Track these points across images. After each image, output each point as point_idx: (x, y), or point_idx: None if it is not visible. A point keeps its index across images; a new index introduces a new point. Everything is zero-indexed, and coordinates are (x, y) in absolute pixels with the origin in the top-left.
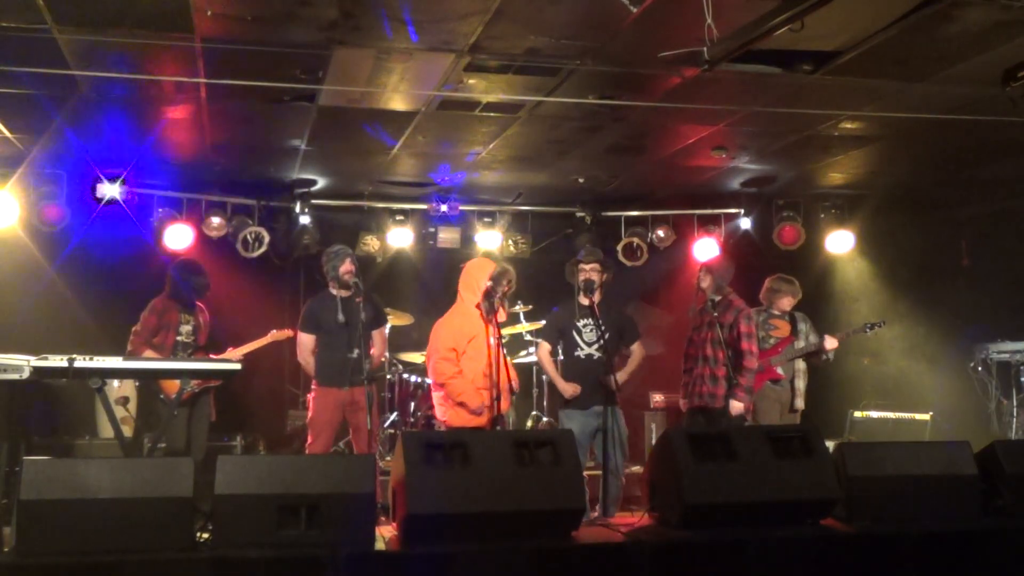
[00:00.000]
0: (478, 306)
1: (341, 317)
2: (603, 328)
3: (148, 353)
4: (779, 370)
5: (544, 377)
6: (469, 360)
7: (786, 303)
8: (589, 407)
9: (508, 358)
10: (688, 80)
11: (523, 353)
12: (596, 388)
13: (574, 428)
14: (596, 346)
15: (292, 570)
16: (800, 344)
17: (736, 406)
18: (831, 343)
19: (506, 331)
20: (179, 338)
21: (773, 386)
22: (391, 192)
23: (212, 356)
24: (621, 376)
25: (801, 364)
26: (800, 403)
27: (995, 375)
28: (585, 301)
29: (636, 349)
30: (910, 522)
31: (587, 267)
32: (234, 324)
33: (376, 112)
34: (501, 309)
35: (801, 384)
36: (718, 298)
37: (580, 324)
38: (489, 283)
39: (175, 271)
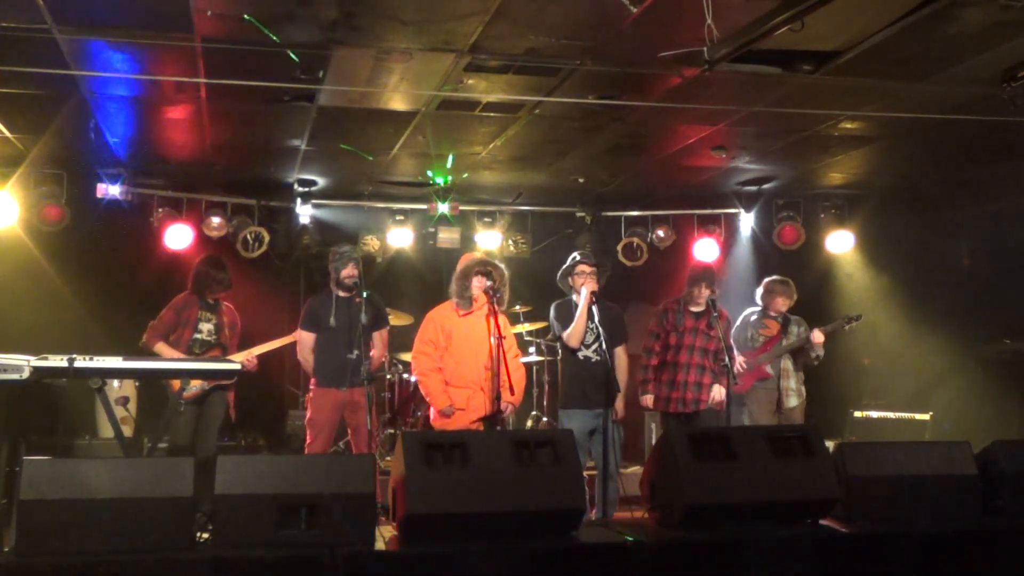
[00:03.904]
0: (455, 303)
1: (333, 321)
2: (600, 331)
3: (160, 346)
4: (767, 369)
5: (544, 377)
6: (451, 357)
7: (780, 304)
8: (590, 408)
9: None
10: (688, 80)
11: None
12: (598, 389)
13: (576, 428)
14: (594, 348)
15: (292, 570)
16: (786, 342)
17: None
18: (818, 336)
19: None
20: (198, 335)
21: (761, 385)
22: (391, 192)
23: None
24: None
25: (789, 364)
26: (790, 402)
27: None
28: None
29: (619, 352)
30: (910, 522)
31: (587, 270)
32: None
33: (376, 112)
34: (491, 306)
35: (792, 383)
36: (705, 307)
37: None
38: (461, 277)
39: (197, 265)
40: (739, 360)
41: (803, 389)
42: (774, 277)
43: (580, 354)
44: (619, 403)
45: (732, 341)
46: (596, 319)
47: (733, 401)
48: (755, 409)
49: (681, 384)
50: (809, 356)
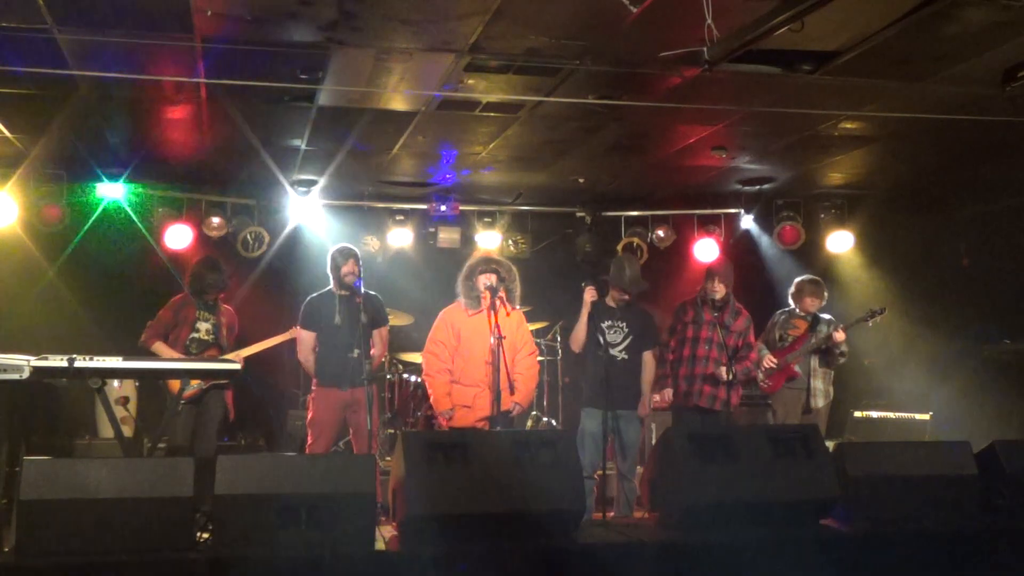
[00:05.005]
0: (464, 303)
1: (338, 319)
2: (628, 332)
3: (158, 345)
4: (796, 368)
5: (544, 377)
6: (460, 357)
7: (809, 304)
8: (609, 407)
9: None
10: (688, 80)
11: None
12: (615, 388)
13: (593, 426)
14: (620, 348)
15: (292, 570)
16: (813, 340)
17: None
18: (838, 335)
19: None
20: (196, 335)
21: (790, 385)
22: (391, 192)
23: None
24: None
25: (817, 364)
26: (817, 403)
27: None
28: (611, 303)
29: (647, 356)
30: (910, 522)
31: (627, 295)
32: None
33: (376, 112)
34: (502, 305)
35: (820, 384)
36: (723, 302)
37: (605, 325)
38: (466, 278)
39: (193, 267)
40: (767, 359)
41: (831, 389)
42: (804, 277)
43: (608, 352)
44: (643, 402)
45: (760, 342)
46: (598, 322)
47: (758, 401)
48: (781, 410)
49: (699, 377)
50: (835, 356)
